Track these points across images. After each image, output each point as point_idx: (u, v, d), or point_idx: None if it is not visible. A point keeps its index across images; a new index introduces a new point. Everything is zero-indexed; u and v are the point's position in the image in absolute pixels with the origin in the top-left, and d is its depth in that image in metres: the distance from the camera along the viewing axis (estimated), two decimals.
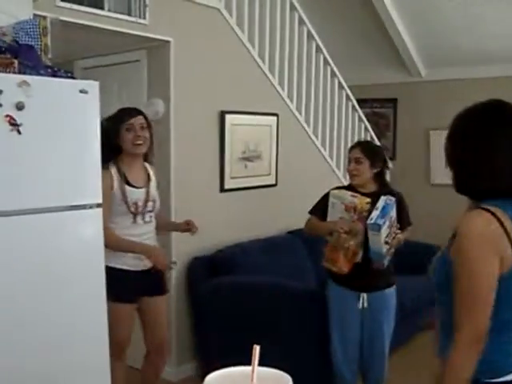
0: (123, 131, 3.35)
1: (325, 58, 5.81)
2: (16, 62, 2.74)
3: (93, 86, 2.94)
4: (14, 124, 2.59)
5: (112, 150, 3.35)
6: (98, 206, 2.96)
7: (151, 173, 3.51)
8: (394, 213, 3.48)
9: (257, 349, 1.03)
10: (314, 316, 3.95)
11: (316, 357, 3.98)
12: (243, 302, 4.22)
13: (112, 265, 3.27)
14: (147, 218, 3.40)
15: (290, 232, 5.27)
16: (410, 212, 3.77)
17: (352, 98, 6.25)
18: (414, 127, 7.23)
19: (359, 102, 6.50)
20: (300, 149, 5.57)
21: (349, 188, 3.69)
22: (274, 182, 5.29)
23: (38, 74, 2.79)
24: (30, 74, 2.75)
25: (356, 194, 3.51)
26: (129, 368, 3.70)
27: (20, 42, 2.87)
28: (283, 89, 5.30)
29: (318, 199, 3.77)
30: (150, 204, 3.41)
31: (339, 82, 6.04)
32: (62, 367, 2.86)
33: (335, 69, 5.94)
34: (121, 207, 3.32)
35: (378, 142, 6.16)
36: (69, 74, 3.01)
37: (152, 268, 3.40)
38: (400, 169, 6.92)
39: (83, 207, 2.90)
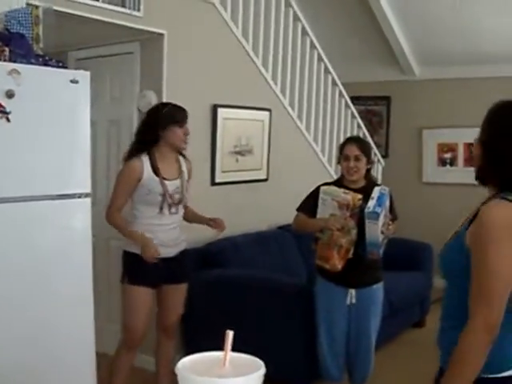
0: (175, 127, 3.44)
1: (319, 55, 5.82)
2: (7, 49, 2.75)
3: (84, 76, 2.95)
4: (3, 112, 2.60)
5: (150, 140, 3.45)
6: (87, 195, 2.98)
7: (183, 165, 3.61)
8: (388, 203, 3.51)
9: (230, 334, 1.04)
10: (302, 311, 3.97)
11: (303, 351, 4.00)
12: (232, 295, 4.24)
13: (135, 251, 3.40)
14: (173, 210, 3.49)
15: (280, 227, 5.28)
16: (401, 209, 3.81)
17: (345, 94, 6.26)
18: (407, 125, 7.26)
19: (353, 99, 6.51)
20: (292, 144, 5.58)
21: (338, 184, 3.68)
22: (265, 177, 5.30)
23: (29, 62, 2.81)
24: (21, 62, 2.76)
25: (348, 191, 3.50)
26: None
27: (12, 31, 2.88)
28: (276, 84, 5.31)
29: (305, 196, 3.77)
30: (177, 196, 3.49)
31: (333, 79, 6.05)
32: (47, 356, 2.88)
33: (329, 65, 5.95)
34: (148, 197, 3.40)
35: (370, 140, 6.18)
36: (60, 64, 3.02)
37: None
38: (392, 167, 6.95)
39: (72, 196, 2.93)
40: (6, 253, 2.71)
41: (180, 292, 3.67)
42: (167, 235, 3.49)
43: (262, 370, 1.01)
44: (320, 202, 3.58)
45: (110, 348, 3.91)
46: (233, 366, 1.03)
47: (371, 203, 3.40)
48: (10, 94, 2.60)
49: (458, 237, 1.82)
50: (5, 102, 2.59)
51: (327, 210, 3.53)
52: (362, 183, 3.67)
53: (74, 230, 2.96)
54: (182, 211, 3.60)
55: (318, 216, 3.59)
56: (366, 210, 3.39)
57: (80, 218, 2.98)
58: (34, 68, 2.78)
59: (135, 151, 3.46)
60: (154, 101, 4.25)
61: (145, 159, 3.42)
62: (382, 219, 3.40)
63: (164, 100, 4.23)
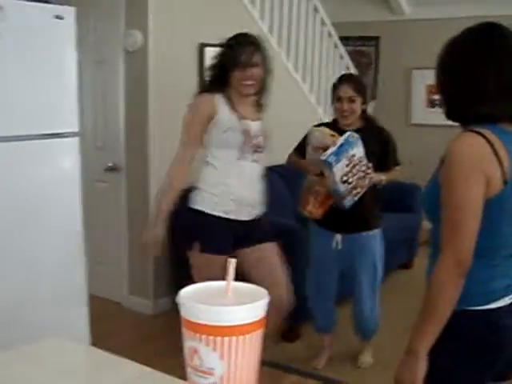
0: (235, 71, 2.92)
1: None
2: None
3: (69, 11, 2.89)
4: None
5: (219, 81, 2.98)
6: (75, 134, 2.94)
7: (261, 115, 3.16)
8: (356, 151, 3.20)
9: (232, 262, 1.02)
10: (290, 251, 3.93)
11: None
12: None
13: (206, 210, 2.93)
14: (255, 156, 2.97)
15: (268, 168, 5.24)
16: None
17: (334, 34, 6.16)
18: (396, 66, 7.19)
19: (341, 39, 6.41)
20: (280, 84, 5.46)
21: (333, 125, 3.46)
22: None
23: None
24: None
25: (334, 134, 3.28)
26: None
27: None
28: (264, 23, 5.20)
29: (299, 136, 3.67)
30: (260, 139, 2.99)
31: (321, 19, 5.94)
32: (39, 290, 2.90)
33: (318, 4, 5.83)
34: (226, 136, 2.88)
35: None
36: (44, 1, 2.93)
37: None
38: (380, 108, 6.90)
39: (60, 136, 2.88)
40: None
41: (272, 253, 3.08)
42: (247, 189, 2.96)
43: (266, 299, 1.00)
44: (308, 143, 3.41)
45: (100, 290, 3.92)
46: (236, 295, 1.02)
47: (330, 150, 3.12)
48: None
49: (434, 174, 1.81)
50: None
51: (313, 154, 3.35)
52: (357, 124, 3.43)
53: (63, 169, 2.93)
54: (262, 164, 3.09)
55: (307, 157, 3.44)
56: (321, 157, 3.14)
57: (69, 156, 2.95)
58: (17, 3, 2.70)
59: (207, 89, 3.01)
60: (139, 40, 4.16)
61: (218, 96, 2.93)
62: (341, 169, 3.15)
63: (150, 38, 4.14)
